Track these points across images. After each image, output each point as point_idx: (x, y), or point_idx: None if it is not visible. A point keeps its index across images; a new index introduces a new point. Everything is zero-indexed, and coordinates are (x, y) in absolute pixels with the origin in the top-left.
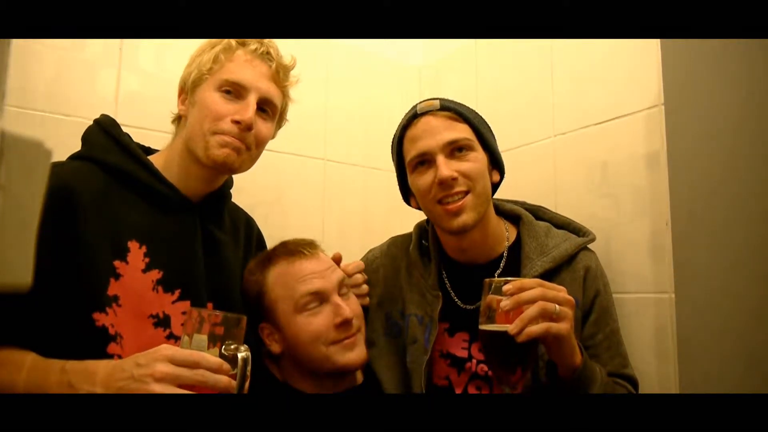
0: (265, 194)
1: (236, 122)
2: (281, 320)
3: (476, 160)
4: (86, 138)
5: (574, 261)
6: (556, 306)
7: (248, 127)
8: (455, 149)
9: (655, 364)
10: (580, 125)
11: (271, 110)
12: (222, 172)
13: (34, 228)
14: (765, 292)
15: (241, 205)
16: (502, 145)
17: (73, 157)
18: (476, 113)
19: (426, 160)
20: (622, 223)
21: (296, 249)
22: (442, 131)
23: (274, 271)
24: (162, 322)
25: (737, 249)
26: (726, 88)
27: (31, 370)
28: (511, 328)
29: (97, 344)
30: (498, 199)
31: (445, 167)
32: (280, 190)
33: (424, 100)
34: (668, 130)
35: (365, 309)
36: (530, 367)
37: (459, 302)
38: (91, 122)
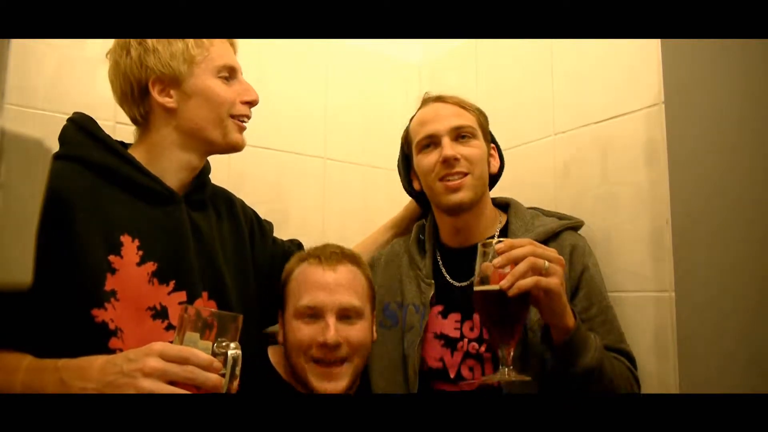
0: (265, 193)
1: (248, 103)
2: (284, 315)
3: (478, 147)
4: (63, 137)
5: (559, 238)
6: (546, 262)
7: (255, 105)
8: (460, 135)
9: (655, 362)
10: (580, 124)
11: None
12: (230, 153)
13: (34, 226)
14: (765, 291)
15: None
16: (501, 144)
17: (54, 158)
18: (483, 112)
19: (433, 142)
20: (622, 221)
21: (324, 255)
22: (450, 117)
23: (300, 267)
24: (159, 313)
25: (737, 247)
26: (726, 87)
27: (28, 372)
28: (502, 282)
29: (99, 340)
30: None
31: (450, 148)
32: (280, 188)
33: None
34: (668, 129)
35: None
36: (522, 324)
37: (453, 282)
38: None
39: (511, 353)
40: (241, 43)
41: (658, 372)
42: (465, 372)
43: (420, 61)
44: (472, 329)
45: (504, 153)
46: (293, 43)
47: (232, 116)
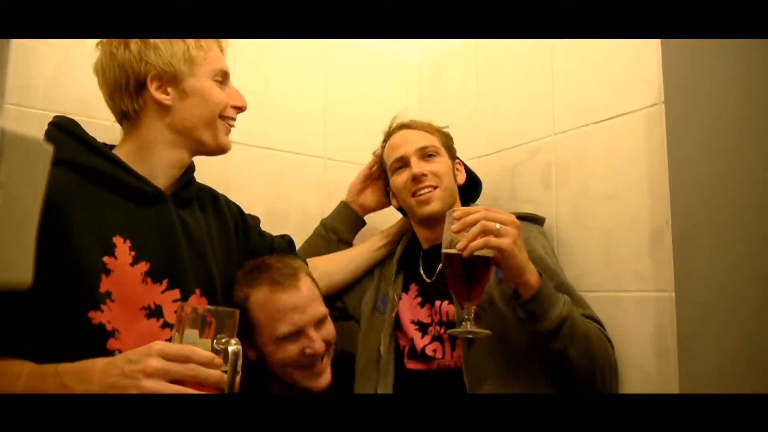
0: (265, 192)
1: (237, 108)
2: (259, 341)
3: (442, 163)
4: (48, 141)
5: None
6: (497, 225)
7: (243, 111)
8: (426, 154)
9: (655, 362)
10: (580, 124)
11: None
12: (217, 154)
13: (34, 226)
14: (765, 291)
15: (240, 204)
16: (500, 144)
17: None
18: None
19: (403, 164)
20: (622, 221)
21: (280, 279)
22: (416, 140)
23: (256, 294)
24: (154, 312)
25: (737, 247)
26: (726, 86)
27: (29, 378)
28: (458, 245)
29: (97, 342)
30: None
31: (417, 166)
32: (280, 188)
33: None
34: (668, 129)
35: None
36: (481, 283)
37: (427, 280)
38: (91, 120)
39: (473, 310)
40: (241, 42)
41: (658, 372)
42: (429, 352)
43: (420, 61)
44: (436, 314)
45: (503, 153)
46: (293, 43)
47: (222, 118)
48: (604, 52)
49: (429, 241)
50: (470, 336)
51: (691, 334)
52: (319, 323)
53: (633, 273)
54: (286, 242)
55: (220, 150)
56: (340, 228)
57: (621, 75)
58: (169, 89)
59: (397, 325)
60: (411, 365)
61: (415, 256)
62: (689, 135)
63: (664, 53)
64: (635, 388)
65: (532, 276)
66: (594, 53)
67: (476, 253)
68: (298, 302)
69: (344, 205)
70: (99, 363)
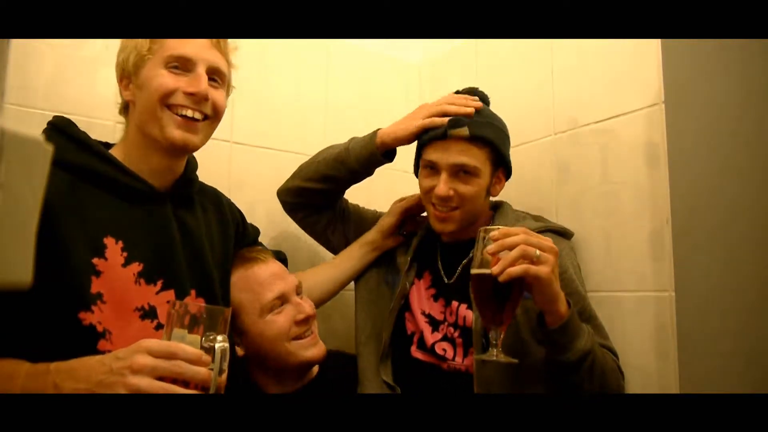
0: (265, 192)
1: (190, 94)
2: (246, 323)
3: (475, 185)
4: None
5: None
6: (537, 251)
7: (204, 98)
8: (461, 171)
9: (655, 362)
10: (580, 124)
11: (220, 79)
12: (181, 152)
13: (34, 226)
14: (765, 290)
15: (241, 202)
16: None
17: None
18: (501, 129)
19: (433, 168)
20: (622, 221)
21: (251, 256)
22: (457, 153)
23: (232, 278)
24: (148, 313)
25: (737, 247)
26: (726, 86)
27: (26, 378)
28: (494, 268)
29: (88, 343)
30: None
31: (444, 185)
32: None
33: (457, 123)
34: (668, 129)
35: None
36: (513, 308)
37: (445, 278)
38: (91, 120)
39: (502, 336)
40: (241, 42)
41: (658, 372)
42: (438, 350)
43: (420, 61)
44: (451, 314)
45: None
46: (294, 44)
47: (169, 107)
48: (604, 52)
49: (448, 236)
50: (493, 360)
51: (691, 334)
52: (298, 292)
53: (633, 273)
54: (279, 260)
55: (169, 144)
56: (361, 173)
57: (621, 75)
58: (131, 85)
59: (407, 306)
60: (418, 355)
61: (433, 246)
62: (689, 135)
63: (664, 53)
64: (635, 388)
65: (563, 305)
66: (594, 53)
67: None
68: (276, 270)
69: (374, 152)
70: (90, 361)
